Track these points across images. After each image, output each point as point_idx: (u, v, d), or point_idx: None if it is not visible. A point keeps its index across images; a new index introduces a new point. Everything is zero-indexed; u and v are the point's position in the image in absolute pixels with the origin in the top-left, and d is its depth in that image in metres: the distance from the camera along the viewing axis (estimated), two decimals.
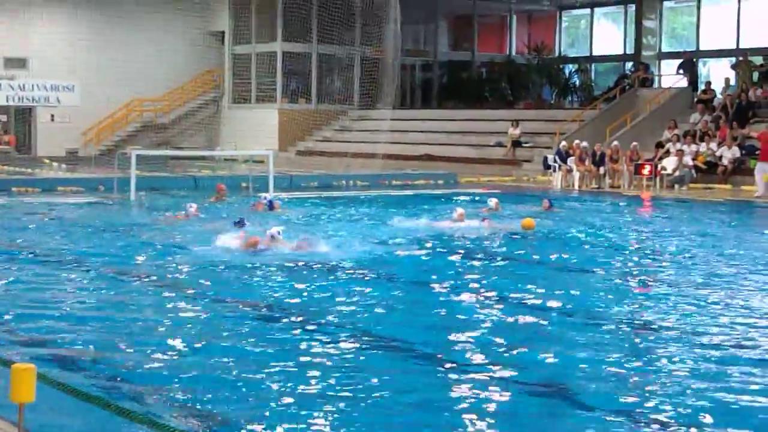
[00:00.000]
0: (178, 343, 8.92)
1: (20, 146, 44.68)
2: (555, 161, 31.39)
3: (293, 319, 10.10)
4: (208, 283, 12.12)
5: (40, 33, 43.89)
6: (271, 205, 20.86)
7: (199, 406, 7.12)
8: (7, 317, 9.89)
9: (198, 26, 46.78)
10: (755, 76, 36.34)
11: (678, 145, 30.82)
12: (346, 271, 13.18)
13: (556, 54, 50.38)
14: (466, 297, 11.39)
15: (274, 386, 7.58)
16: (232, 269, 13.07)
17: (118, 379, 7.78)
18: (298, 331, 9.45)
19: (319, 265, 13.31)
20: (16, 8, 43.37)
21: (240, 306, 10.79)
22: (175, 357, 8.49)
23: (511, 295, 11.53)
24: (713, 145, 30.87)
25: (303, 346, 8.81)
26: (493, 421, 6.99)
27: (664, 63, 44.71)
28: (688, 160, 29.94)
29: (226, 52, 47.34)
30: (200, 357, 8.44)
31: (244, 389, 7.53)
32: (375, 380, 7.75)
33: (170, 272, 12.96)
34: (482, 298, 11.36)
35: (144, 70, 45.28)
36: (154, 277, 12.49)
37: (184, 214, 18.80)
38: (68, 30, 44.83)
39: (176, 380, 7.73)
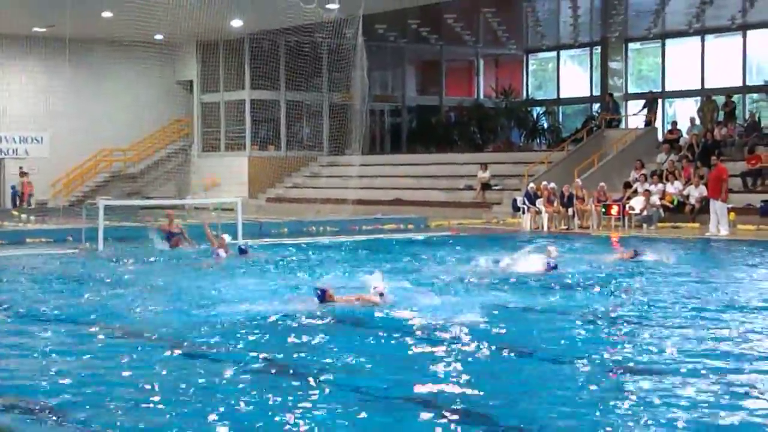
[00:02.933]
0: (155, 402, 8.52)
1: None
2: (524, 203, 31.52)
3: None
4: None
5: (7, 85, 43.83)
6: (242, 251, 20.89)
7: None
8: None
9: (166, 76, 46.82)
10: (720, 115, 36.73)
11: (645, 185, 31.04)
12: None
13: (524, 97, 50.77)
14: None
15: None
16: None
17: None
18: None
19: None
20: None
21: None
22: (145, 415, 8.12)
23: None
24: (678, 184, 31.08)
25: None
26: None
27: (631, 104, 45.12)
28: (655, 199, 30.14)
29: (195, 100, 47.43)
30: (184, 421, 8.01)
31: None
32: None
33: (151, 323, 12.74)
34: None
35: (112, 120, 45.28)
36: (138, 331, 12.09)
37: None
38: (36, 82, 44.79)
39: None
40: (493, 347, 10.74)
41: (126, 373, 9.56)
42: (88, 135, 44.78)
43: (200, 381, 9.22)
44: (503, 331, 11.86)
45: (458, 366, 9.84)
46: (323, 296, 13.35)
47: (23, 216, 35.98)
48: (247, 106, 45.47)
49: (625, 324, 12.33)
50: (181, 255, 21.68)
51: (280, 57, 44.80)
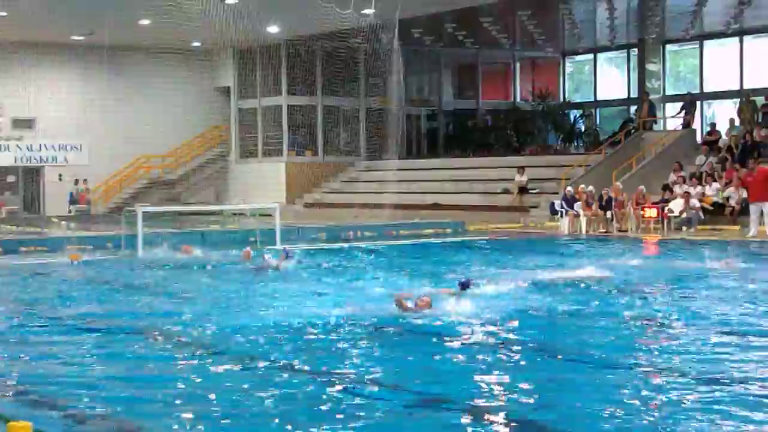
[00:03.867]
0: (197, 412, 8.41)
1: (28, 206, 45.09)
2: (562, 206, 31.40)
3: None
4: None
5: (47, 93, 44.22)
6: (287, 255, 20.81)
7: None
8: (14, 375, 9.78)
9: (203, 82, 47.13)
10: (759, 116, 36.42)
11: (684, 187, 30.83)
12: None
13: (561, 100, 50.58)
14: None
15: None
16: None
17: None
18: None
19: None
20: (22, 69, 43.73)
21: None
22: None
23: None
24: (717, 186, 30.84)
25: None
26: None
27: (669, 105, 44.82)
28: (694, 202, 29.92)
29: (232, 107, 47.64)
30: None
31: None
32: None
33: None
34: None
35: (151, 126, 45.52)
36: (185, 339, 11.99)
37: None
38: (74, 89, 45.18)
39: None
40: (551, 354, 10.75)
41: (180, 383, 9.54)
42: (127, 142, 45.07)
43: (249, 390, 9.19)
44: (557, 337, 11.80)
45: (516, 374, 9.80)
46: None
47: (62, 223, 36.25)
48: (284, 112, 45.61)
49: (674, 329, 12.19)
50: (219, 262, 21.70)
51: (317, 62, 44.95)
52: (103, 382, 9.53)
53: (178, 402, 8.68)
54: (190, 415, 8.18)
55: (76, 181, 44.37)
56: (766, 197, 27.21)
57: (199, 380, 9.57)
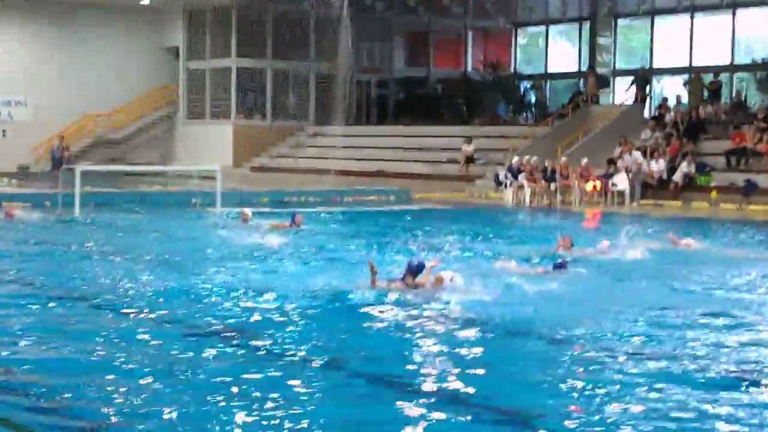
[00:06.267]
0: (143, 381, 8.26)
1: None
2: (506, 177, 31.39)
3: None
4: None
5: None
6: (293, 219, 20.19)
7: None
8: None
9: (152, 41, 46.66)
10: (706, 93, 36.61)
11: (626, 160, 30.91)
12: None
13: (512, 71, 50.46)
14: None
15: None
16: None
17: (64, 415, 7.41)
18: None
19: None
20: None
21: None
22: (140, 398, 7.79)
23: None
24: (662, 162, 30.95)
25: None
26: None
27: (619, 80, 44.90)
28: (638, 176, 30.02)
29: (181, 67, 47.11)
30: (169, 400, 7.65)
31: None
32: None
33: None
34: None
35: (97, 85, 45.05)
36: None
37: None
38: (20, 45, 44.52)
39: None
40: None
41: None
42: (73, 99, 44.54)
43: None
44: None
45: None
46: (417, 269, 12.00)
47: (5, 179, 35.78)
48: (233, 74, 45.20)
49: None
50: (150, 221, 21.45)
51: (267, 25, 44.55)
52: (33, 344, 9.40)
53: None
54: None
55: (62, 138, 43.63)
56: None
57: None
